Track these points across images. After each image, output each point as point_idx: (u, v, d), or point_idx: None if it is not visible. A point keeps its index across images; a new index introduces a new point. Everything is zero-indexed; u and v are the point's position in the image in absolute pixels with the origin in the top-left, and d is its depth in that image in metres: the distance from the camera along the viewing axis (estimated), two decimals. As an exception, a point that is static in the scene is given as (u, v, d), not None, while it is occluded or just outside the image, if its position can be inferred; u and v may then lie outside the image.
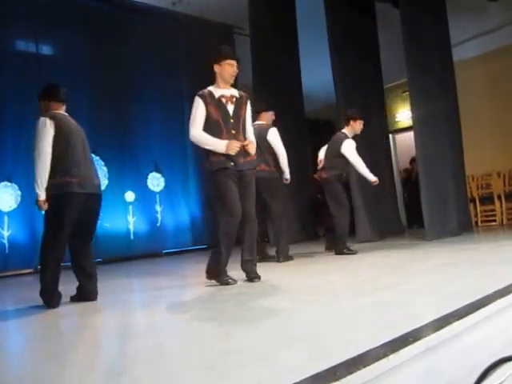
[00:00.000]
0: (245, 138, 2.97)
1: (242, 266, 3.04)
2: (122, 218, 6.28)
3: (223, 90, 2.98)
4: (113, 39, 6.26)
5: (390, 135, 7.54)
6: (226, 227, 2.85)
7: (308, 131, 6.84)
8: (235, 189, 2.87)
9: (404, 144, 8.21)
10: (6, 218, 5.43)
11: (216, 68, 2.98)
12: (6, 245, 5.38)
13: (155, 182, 6.77)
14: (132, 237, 6.40)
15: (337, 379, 1.12)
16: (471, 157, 6.11)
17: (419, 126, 5.07)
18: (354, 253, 4.26)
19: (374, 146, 6.06)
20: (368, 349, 1.31)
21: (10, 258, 5.36)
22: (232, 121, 2.92)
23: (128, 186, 6.37)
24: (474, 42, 6.80)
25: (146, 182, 6.72)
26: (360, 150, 5.62)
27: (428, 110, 5.02)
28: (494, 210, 6.64)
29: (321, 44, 5.76)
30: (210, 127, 2.89)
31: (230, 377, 1.22)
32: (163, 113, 6.72)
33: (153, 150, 6.64)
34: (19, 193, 5.53)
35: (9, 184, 5.48)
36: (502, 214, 6.58)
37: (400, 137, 8.38)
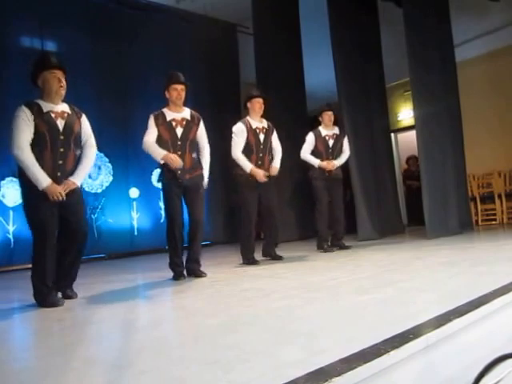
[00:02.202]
0: (192, 157, 3.33)
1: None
2: (126, 214, 6.31)
3: (174, 114, 3.32)
4: (117, 36, 6.26)
5: (392, 134, 7.55)
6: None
7: (310, 129, 6.83)
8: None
9: (406, 143, 8.22)
10: (11, 212, 5.46)
11: (166, 94, 3.36)
12: (12, 239, 5.41)
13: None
14: (136, 233, 6.42)
15: (338, 374, 1.13)
16: (472, 156, 6.12)
17: (421, 125, 5.08)
18: (331, 251, 4.45)
19: (376, 144, 6.07)
20: (369, 345, 1.33)
21: (15, 252, 5.38)
22: (179, 143, 3.27)
23: (132, 183, 6.39)
24: (476, 42, 6.79)
25: (151, 178, 6.74)
26: (362, 149, 5.66)
27: (430, 109, 5.03)
28: (494, 209, 6.66)
29: (323, 42, 5.76)
30: (160, 146, 3.25)
31: (233, 371, 1.24)
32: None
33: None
34: (24, 188, 5.56)
35: (14, 179, 5.50)
36: (502, 213, 6.60)
37: (402, 136, 8.39)
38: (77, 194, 2.66)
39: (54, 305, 2.51)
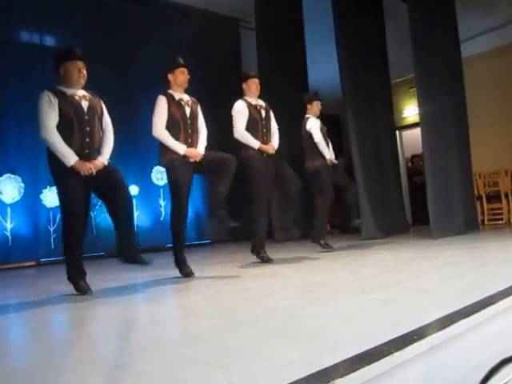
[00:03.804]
0: (198, 137, 3.35)
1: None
2: (125, 211, 6.29)
3: (180, 95, 3.37)
4: (117, 31, 6.23)
5: (397, 131, 7.49)
6: None
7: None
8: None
9: (411, 140, 8.15)
10: (9, 210, 5.44)
11: (170, 77, 3.36)
12: (9, 237, 5.39)
13: (159, 175, 6.76)
14: (136, 230, 6.41)
15: (341, 376, 1.10)
16: (478, 154, 6.04)
17: (426, 122, 5.02)
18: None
19: (380, 142, 6.02)
20: (372, 346, 1.29)
21: (13, 250, 5.37)
22: (189, 121, 3.32)
23: (132, 180, 6.33)
24: (481, 38, 6.70)
25: (150, 175, 6.71)
26: (366, 147, 5.61)
27: (435, 106, 4.97)
28: (500, 209, 6.57)
29: (327, 38, 5.71)
30: (171, 125, 3.25)
31: (234, 371, 1.21)
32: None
33: (157, 143, 6.64)
34: (22, 185, 5.55)
35: (12, 176, 5.50)
36: (509, 212, 6.51)
37: (407, 133, 8.32)
38: (108, 166, 2.82)
39: (83, 291, 2.69)
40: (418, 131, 5.32)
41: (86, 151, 2.73)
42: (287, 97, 5.88)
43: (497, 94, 6.77)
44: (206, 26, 7.05)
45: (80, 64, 2.81)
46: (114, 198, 2.77)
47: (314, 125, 4.51)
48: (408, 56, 5.10)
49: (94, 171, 2.70)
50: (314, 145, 4.45)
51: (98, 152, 2.80)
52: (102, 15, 6.13)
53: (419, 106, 5.14)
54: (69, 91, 2.77)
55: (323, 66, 6.53)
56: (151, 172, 6.72)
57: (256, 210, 3.76)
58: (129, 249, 2.83)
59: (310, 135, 4.47)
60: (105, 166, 2.79)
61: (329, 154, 4.49)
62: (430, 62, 5.03)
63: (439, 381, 1.37)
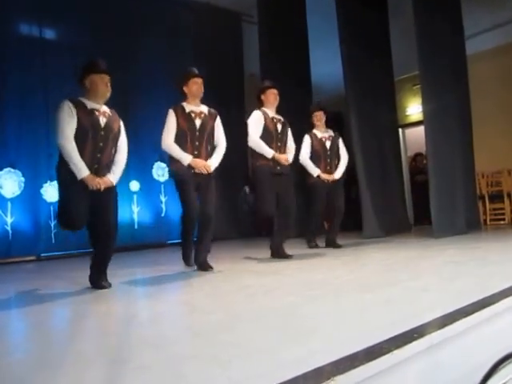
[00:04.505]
0: (210, 149, 3.38)
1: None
2: (126, 207, 6.24)
3: (193, 107, 3.38)
4: (118, 26, 6.17)
5: (400, 129, 7.45)
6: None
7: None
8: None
9: (414, 139, 8.12)
10: (9, 204, 5.43)
11: (185, 89, 3.40)
12: (10, 231, 5.38)
13: (160, 171, 6.75)
14: (136, 226, 6.39)
15: (340, 373, 1.10)
16: (481, 153, 6.02)
17: (430, 120, 4.98)
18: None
19: (383, 140, 5.99)
20: (372, 344, 1.28)
21: (13, 244, 5.36)
22: (197, 133, 3.32)
23: (133, 176, 6.33)
24: (486, 35, 6.66)
25: (151, 171, 6.70)
26: (368, 145, 5.58)
27: (439, 104, 4.93)
28: (503, 209, 6.55)
29: (330, 34, 5.67)
30: (179, 136, 3.30)
31: (233, 368, 1.20)
32: (169, 101, 6.67)
33: (159, 139, 6.61)
34: (23, 179, 5.53)
35: (12, 170, 5.49)
36: (511, 212, 6.49)
37: (410, 131, 8.29)
38: (112, 192, 2.81)
39: (100, 287, 2.74)
40: (421, 129, 5.28)
41: (96, 166, 2.73)
42: (288, 93, 5.85)
43: (500, 93, 6.74)
44: (207, 20, 6.99)
45: (107, 78, 2.84)
46: (103, 222, 2.74)
47: (304, 141, 4.55)
48: (412, 53, 5.07)
49: (102, 187, 2.70)
50: (311, 158, 4.50)
51: (107, 169, 2.80)
52: (102, 8, 6.06)
53: (423, 103, 5.10)
54: (90, 104, 2.78)
55: (326, 62, 6.49)
56: (152, 168, 6.71)
57: (257, 222, 3.87)
58: (98, 277, 2.81)
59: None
60: (110, 187, 2.78)
61: (316, 171, 4.47)
62: (434, 59, 4.98)
63: (438, 379, 1.37)
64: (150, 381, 1.16)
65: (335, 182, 4.53)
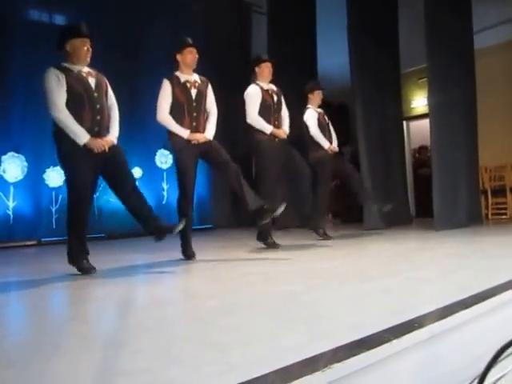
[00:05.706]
0: (207, 118, 3.32)
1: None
2: (128, 193, 6.29)
3: (187, 76, 3.31)
4: (127, 12, 6.13)
5: (404, 122, 7.40)
6: None
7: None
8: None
9: (419, 131, 8.06)
10: (11, 188, 5.44)
11: (178, 57, 3.31)
12: (11, 216, 5.39)
13: (163, 159, 6.74)
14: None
15: (338, 361, 1.10)
16: (485, 147, 5.96)
17: (435, 113, 4.94)
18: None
19: (387, 132, 5.95)
20: (372, 333, 1.28)
21: (14, 228, 5.38)
22: (194, 104, 3.26)
23: (135, 162, 6.29)
24: (493, 30, 6.56)
25: (154, 158, 6.68)
26: (372, 136, 5.54)
27: (445, 96, 4.89)
28: (505, 203, 6.52)
29: (339, 26, 5.61)
30: (175, 108, 3.22)
31: (232, 353, 1.21)
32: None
33: (163, 126, 6.61)
34: (26, 164, 5.53)
35: (16, 155, 5.48)
36: (513, 207, 6.47)
37: (414, 124, 8.23)
38: (118, 147, 2.80)
39: (87, 271, 2.68)
40: (425, 122, 5.24)
41: (96, 129, 2.69)
42: (296, 83, 5.80)
43: (504, 88, 6.66)
44: (217, 10, 6.95)
45: (87, 41, 2.78)
46: (122, 177, 2.77)
47: (310, 116, 4.51)
48: (419, 46, 5.01)
49: (107, 148, 2.69)
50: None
51: (106, 129, 2.77)
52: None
53: (429, 96, 5.06)
54: (75, 68, 2.72)
55: (333, 53, 6.44)
56: (155, 155, 6.69)
57: (262, 194, 3.64)
58: (154, 226, 2.82)
59: (306, 127, 4.49)
60: (114, 146, 2.77)
61: (327, 143, 4.46)
62: (442, 52, 4.93)
63: (438, 370, 1.37)
64: (146, 364, 1.16)
65: (336, 153, 4.50)
